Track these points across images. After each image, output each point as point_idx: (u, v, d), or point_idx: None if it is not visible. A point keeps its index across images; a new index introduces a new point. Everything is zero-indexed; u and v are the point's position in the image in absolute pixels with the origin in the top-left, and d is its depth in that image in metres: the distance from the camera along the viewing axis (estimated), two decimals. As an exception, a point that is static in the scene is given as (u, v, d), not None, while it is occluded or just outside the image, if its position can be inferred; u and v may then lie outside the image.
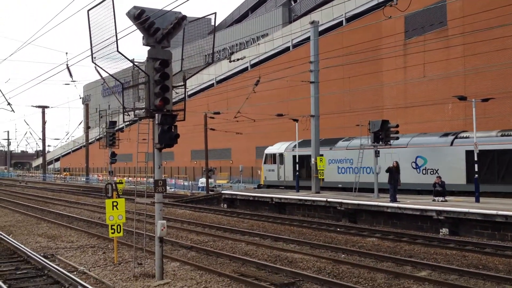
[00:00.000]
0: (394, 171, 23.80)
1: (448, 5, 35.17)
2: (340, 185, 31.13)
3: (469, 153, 25.06)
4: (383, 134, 24.76)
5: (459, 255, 15.71)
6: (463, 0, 33.34)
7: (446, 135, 27.45)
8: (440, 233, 20.02)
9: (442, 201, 22.45)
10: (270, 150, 37.33)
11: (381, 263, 14.59)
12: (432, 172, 26.53)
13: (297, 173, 32.07)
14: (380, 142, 24.82)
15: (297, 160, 32.44)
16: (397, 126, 25.73)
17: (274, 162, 36.26)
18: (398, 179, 23.81)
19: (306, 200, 26.97)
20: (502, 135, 24.77)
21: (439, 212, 20.24)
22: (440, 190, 23.12)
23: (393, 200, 22.91)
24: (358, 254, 15.80)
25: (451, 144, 26.44)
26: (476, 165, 22.68)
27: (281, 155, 35.72)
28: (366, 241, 18.52)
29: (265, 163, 37.32)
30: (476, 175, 22.56)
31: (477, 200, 22.04)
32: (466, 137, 26.20)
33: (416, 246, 17.33)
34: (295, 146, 34.12)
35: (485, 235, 19.03)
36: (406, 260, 14.65)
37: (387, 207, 22.39)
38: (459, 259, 15.17)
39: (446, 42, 34.90)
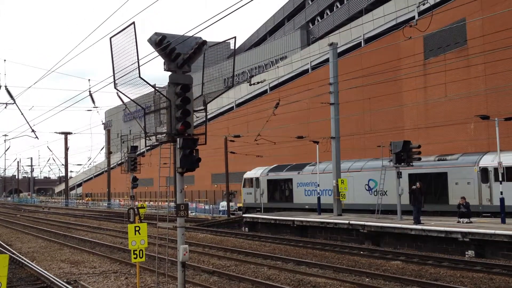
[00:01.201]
0: (417, 192, 23.46)
1: (467, 24, 35.01)
2: (307, 206, 33.46)
3: (411, 176, 28.08)
4: (405, 155, 24.52)
5: (486, 278, 15.35)
6: (483, 19, 33.20)
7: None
8: (466, 256, 19.62)
9: (467, 222, 22.05)
10: (248, 175, 39.90)
11: (406, 287, 14.32)
12: (383, 194, 28.17)
13: (319, 195, 31.88)
14: (403, 164, 24.57)
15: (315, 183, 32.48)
16: (419, 146, 25.50)
17: (251, 186, 38.98)
18: (422, 200, 23.47)
19: (328, 223, 26.72)
20: (438, 160, 27.55)
21: (464, 234, 19.85)
22: (465, 211, 22.70)
23: (417, 222, 22.55)
24: (383, 278, 15.53)
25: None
26: (500, 185, 22.31)
27: (257, 179, 38.54)
28: (390, 265, 18.22)
29: (244, 186, 40.10)
30: (502, 196, 22.14)
31: (503, 221, 21.60)
32: None
33: (441, 269, 16.99)
34: (269, 171, 37.89)
35: (512, 257, 18.60)
36: (432, 283, 14.36)
37: (411, 229, 22.06)
38: (486, 282, 14.82)
39: (466, 62, 34.65)
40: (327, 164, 33.65)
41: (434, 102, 37.45)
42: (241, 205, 49.77)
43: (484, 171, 25.23)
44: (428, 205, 26.35)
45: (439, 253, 20.48)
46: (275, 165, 38.96)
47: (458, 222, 22.37)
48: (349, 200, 30.66)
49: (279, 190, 37.28)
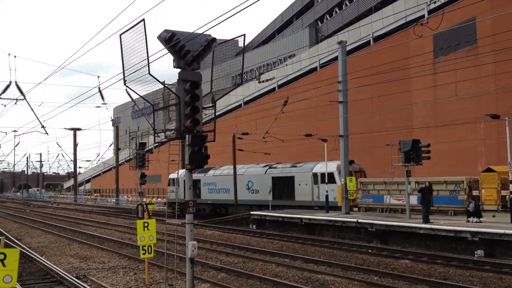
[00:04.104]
0: (426, 191, 23.36)
1: (478, 23, 34.79)
2: (209, 201, 41.40)
3: (273, 179, 35.91)
4: (414, 154, 24.40)
5: (496, 278, 15.29)
6: (493, 18, 32.99)
7: (265, 166, 37.92)
8: (475, 255, 19.54)
9: (476, 222, 21.94)
10: (171, 175, 44.86)
11: (415, 285, 14.30)
12: (256, 192, 37.33)
13: (326, 193, 31.83)
14: (411, 162, 24.45)
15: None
16: (429, 145, 25.37)
17: (173, 185, 44.28)
18: (431, 199, 23.37)
19: (336, 221, 26.68)
20: (291, 166, 35.50)
21: (473, 234, 19.77)
22: (474, 211, 22.58)
23: (426, 221, 22.47)
24: (391, 277, 15.51)
25: (265, 172, 36.90)
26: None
27: (177, 179, 42.79)
28: (399, 263, 18.19)
29: (168, 185, 46.40)
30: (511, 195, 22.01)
31: (513, 221, 21.48)
32: (274, 167, 36.99)
33: (450, 268, 16.94)
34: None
35: (522, 257, 18.51)
36: (441, 282, 14.33)
37: (420, 228, 21.98)
38: (496, 281, 14.77)
39: (476, 61, 34.45)
40: (223, 169, 41.98)
41: (444, 101, 37.27)
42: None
43: (315, 176, 32.87)
44: (282, 200, 34.63)
45: (448, 252, 20.41)
46: None
47: (467, 221, 22.28)
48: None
49: (195, 189, 44.04)
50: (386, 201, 29.49)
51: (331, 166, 32.11)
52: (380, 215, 27.37)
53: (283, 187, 34.80)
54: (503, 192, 24.44)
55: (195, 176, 42.76)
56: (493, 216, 24.44)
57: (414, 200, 26.83)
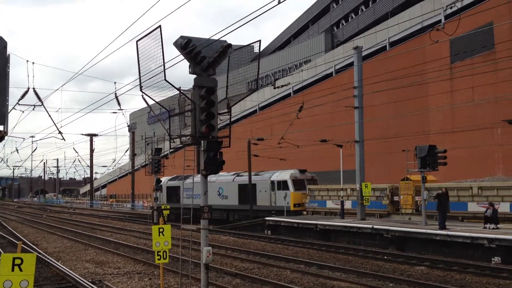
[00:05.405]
0: (443, 197, 23.15)
1: (495, 28, 34.50)
2: (189, 206, 42.83)
3: (240, 186, 39.05)
4: (430, 160, 24.22)
5: (514, 285, 15.08)
6: (511, 22, 32.66)
7: (233, 174, 40.50)
8: (492, 262, 19.31)
9: (493, 228, 21.69)
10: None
11: (431, 292, 14.14)
12: (226, 198, 40.28)
13: (342, 199, 31.71)
14: (428, 168, 24.27)
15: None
16: (445, 151, 25.16)
17: (159, 191, 47.56)
18: (448, 205, 23.15)
19: (351, 227, 26.55)
20: (255, 175, 38.09)
21: (490, 240, 19.55)
22: (491, 217, 22.31)
23: (442, 227, 22.26)
24: (407, 283, 15.38)
25: (233, 180, 39.90)
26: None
27: (161, 186, 46.82)
28: (414, 270, 18.03)
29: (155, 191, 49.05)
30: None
31: (531, 228, 21.21)
32: (241, 176, 39.78)
33: (467, 275, 16.75)
34: (169, 180, 47.51)
35: (541, 265, 18.25)
36: (458, 290, 14.16)
37: (436, 234, 21.79)
38: (514, 289, 14.56)
39: (493, 66, 34.13)
40: (199, 176, 44.37)
41: (461, 106, 36.95)
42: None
43: (272, 183, 36.24)
44: (247, 205, 37.04)
45: (465, 259, 20.18)
46: (174, 175, 48.06)
47: (484, 228, 22.03)
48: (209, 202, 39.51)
49: (173, 194, 46.57)
50: (328, 206, 33.69)
51: (285, 175, 36.04)
52: (396, 222, 27.19)
53: (247, 193, 37.67)
54: (417, 198, 28.28)
55: (176, 183, 46.22)
56: (409, 218, 28.27)
57: (348, 204, 31.98)
